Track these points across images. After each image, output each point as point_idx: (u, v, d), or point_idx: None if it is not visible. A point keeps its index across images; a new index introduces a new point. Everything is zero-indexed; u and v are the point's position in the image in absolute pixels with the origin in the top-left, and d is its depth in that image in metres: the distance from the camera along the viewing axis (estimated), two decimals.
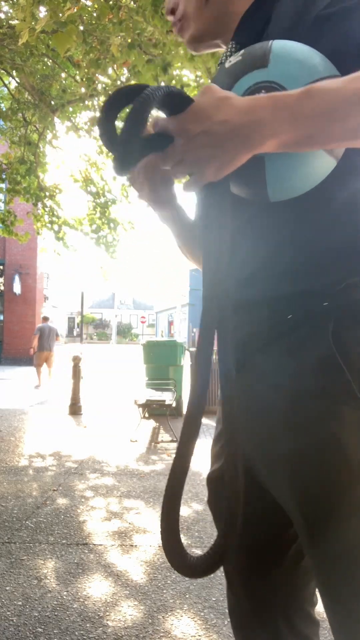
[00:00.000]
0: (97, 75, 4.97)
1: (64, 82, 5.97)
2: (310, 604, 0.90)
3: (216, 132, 0.58)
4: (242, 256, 0.79)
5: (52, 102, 5.69)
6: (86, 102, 5.84)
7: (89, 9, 4.15)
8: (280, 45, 0.66)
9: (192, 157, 0.60)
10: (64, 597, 2.14)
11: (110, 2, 3.74)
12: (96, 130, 6.35)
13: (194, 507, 3.22)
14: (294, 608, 0.88)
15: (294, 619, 0.88)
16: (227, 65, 0.71)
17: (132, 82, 5.14)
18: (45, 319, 10.87)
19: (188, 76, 4.66)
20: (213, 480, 0.93)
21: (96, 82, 5.23)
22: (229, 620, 1.95)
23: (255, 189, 0.68)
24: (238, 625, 0.93)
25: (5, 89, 6.56)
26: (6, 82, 6.41)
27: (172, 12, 0.88)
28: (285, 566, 0.86)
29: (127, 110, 0.62)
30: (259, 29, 0.79)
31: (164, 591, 2.20)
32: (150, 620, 1.97)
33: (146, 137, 0.62)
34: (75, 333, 48.30)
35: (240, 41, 0.80)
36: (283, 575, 0.87)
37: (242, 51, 0.70)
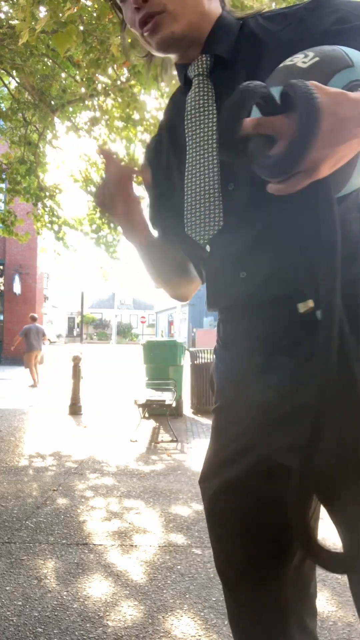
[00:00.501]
0: (97, 75, 4.97)
1: (64, 82, 5.97)
2: (315, 595, 0.90)
3: (341, 128, 0.58)
4: (269, 255, 0.78)
5: (52, 102, 5.69)
6: (86, 102, 5.84)
7: (89, 9, 4.15)
8: (345, 48, 0.67)
9: (319, 155, 0.59)
10: (64, 597, 2.14)
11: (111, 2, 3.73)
12: (96, 131, 6.36)
13: (194, 507, 3.22)
14: (304, 604, 0.88)
15: (303, 615, 0.87)
16: (300, 65, 0.67)
17: (132, 82, 5.14)
18: (33, 318, 11.00)
19: None
20: (229, 490, 0.85)
21: (96, 82, 5.23)
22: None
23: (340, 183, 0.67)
24: (245, 629, 0.89)
25: (5, 89, 6.56)
26: (6, 82, 6.41)
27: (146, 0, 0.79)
28: (294, 565, 0.85)
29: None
30: (231, 43, 0.82)
31: (164, 591, 2.20)
32: (150, 620, 1.97)
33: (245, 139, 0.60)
34: (75, 333, 48.29)
35: (216, 53, 0.82)
36: (292, 572, 0.85)
37: (310, 53, 0.67)
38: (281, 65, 0.69)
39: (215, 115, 0.82)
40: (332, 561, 0.63)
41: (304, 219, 0.71)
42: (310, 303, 0.70)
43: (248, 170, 0.72)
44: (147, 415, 6.25)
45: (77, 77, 5.56)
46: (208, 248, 0.86)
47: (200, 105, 0.83)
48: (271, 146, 0.61)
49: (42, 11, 3.79)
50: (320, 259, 0.65)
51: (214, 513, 0.89)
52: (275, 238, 0.77)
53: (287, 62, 0.69)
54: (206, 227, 0.83)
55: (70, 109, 6.04)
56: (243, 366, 0.83)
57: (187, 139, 0.85)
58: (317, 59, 0.65)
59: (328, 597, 2.15)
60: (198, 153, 0.83)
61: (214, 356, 0.97)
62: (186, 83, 0.88)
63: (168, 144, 0.94)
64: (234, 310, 0.86)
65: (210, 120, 0.82)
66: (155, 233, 1.00)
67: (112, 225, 7.44)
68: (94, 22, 4.25)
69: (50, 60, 5.66)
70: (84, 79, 5.07)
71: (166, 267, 1.03)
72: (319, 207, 0.66)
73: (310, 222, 0.70)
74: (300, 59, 0.66)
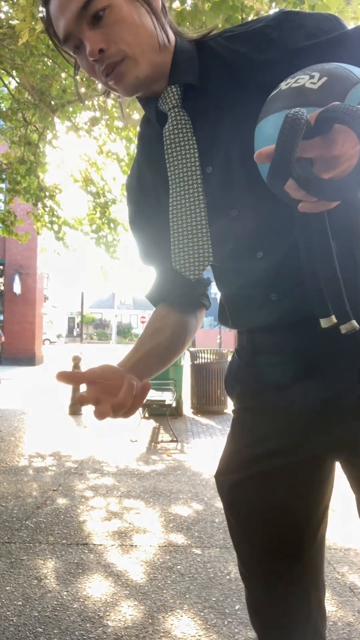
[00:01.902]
0: None
1: (64, 82, 5.96)
2: (324, 590, 0.91)
3: None
4: (296, 276, 0.77)
5: (52, 102, 5.68)
6: (86, 102, 5.84)
7: None
8: (344, 65, 0.68)
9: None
10: (64, 597, 2.14)
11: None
12: (96, 131, 6.37)
13: (194, 507, 3.22)
14: (322, 591, 0.89)
15: (322, 603, 0.89)
16: (309, 86, 0.67)
17: None
18: None
19: None
20: (255, 482, 0.86)
21: (96, 82, 5.22)
22: (229, 620, 1.96)
23: None
24: (269, 622, 0.89)
25: (5, 89, 6.55)
26: (6, 82, 6.41)
27: (101, 51, 0.76)
28: (311, 554, 0.87)
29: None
30: (196, 70, 0.82)
31: (164, 591, 2.20)
32: (150, 620, 1.97)
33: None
34: (75, 333, 48.29)
35: (185, 82, 0.82)
36: (308, 561, 0.87)
37: (315, 73, 0.67)
38: (285, 87, 0.68)
39: (195, 148, 0.82)
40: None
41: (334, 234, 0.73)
42: (334, 319, 0.72)
43: (251, 195, 0.78)
44: (147, 415, 6.25)
45: (77, 77, 5.55)
46: (228, 271, 0.88)
47: (180, 139, 0.83)
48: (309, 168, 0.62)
49: (42, 11, 3.78)
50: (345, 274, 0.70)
51: (236, 501, 0.89)
52: (297, 255, 0.78)
53: (292, 84, 0.68)
54: (195, 263, 0.84)
55: (70, 109, 6.04)
56: (282, 372, 0.84)
57: (169, 174, 0.84)
58: (325, 78, 0.66)
59: (328, 597, 2.15)
60: (182, 187, 0.83)
61: (235, 360, 0.96)
62: (158, 116, 0.87)
63: (151, 178, 0.93)
64: (264, 328, 0.86)
65: (191, 155, 0.82)
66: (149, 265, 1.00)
67: (112, 225, 7.44)
68: None
69: (50, 60, 5.66)
70: (84, 79, 5.07)
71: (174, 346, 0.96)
72: (342, 226, 0.71)
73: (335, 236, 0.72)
74: (307, 80, 0.66)
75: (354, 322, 0.71)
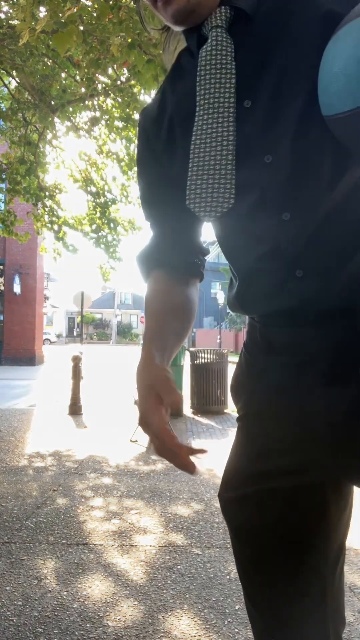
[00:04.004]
0: (97, 75, 4.97)
1: (64, 82, 5.97)
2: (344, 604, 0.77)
3: None
4: (334, 246, 0.68)
5: (52, 102, 5.69)
6: (86, 102, 5.85)
7: (89, 9, 4.15)
8: None
9: None
10: (64, 597, 2.14)
11: (110, 2, 3.74)
12: (96, 130, 6.37)
13: (194, 507, 3.22)
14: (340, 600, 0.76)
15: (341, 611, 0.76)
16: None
17: (132, 82, 5.14)
18: None
19: None
20: (270, 500, 0.72)
21: (96, 82, 5.23)
22: (229, 620, 1.96)
23: None
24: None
25: (5, 89, 6.56)
26: (6, 82, 6.41)
27: None
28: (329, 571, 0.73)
29: None
30: None
31: (164, 591, 2.20)
32: (150, 620, 1.97)
33: None
34: (75, 333, 48.27)
35: (237, 5, 0.73)
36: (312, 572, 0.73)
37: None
38: None
39: (234, 75, 0.71)
40: None
41: None
42: None
43: (297, 138, 0.66)
44: None
45: (77, 77, 5.56)
46: (236, 231, 0.75)
47: (218, 61, 0.71)
48: None
49: (42, 11, 3.79)
50: None
51: (243, 523, 0.76)
52: (342, 225, 0.66)
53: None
54: (213, 203, 0.71)
55: (70, 109, 6.04)
56: (300, 377, 0.71)
57: (198, 98, 0.73)
58: None
59: None
60: (210, 116, 0.71)
61: (245, 357, 0.83)
62: (199, 44, 0.76)
63: (172, 111, 0.80)
64: (282, 317, 0.72)
65: (227, 80, 0.71)
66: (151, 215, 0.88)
67: (112, 225, 7.45)
68: (94, 22, 4.25)
69: (50, 60, 5.66)
70: (84, 79, 5.07)
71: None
72: None
73: None
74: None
75: None
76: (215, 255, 22.68)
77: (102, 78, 5.28)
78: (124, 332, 46.67)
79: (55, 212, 7.40)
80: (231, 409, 6.88)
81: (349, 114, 0.58)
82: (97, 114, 6.01)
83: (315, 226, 0.66)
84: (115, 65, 4.81)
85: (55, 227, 7.51)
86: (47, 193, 7.18)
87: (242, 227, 0.74)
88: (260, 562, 0.73)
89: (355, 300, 0.66)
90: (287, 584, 0.71)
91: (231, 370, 2.84)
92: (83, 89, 5.21)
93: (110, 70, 5.07)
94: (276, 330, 0.74)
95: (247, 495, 0.74)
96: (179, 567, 2.42)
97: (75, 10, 3.50)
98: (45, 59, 5.68)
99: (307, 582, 0.71)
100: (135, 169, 0.95)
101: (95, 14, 4.20)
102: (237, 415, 0.84)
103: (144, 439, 5.29)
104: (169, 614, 2.03)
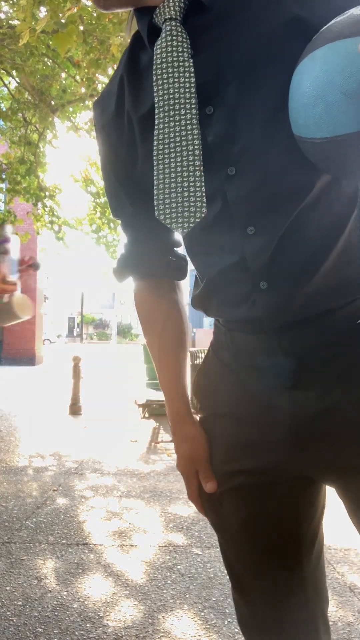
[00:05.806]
0: (97, 75, 4.97)
1: (64, 82, 5.97)
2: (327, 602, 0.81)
3: None
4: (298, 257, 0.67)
5: (52, 102, 5.69)
6: (86, 102, 5.84)
7: (89, 9, 4.15)
8: None
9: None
10: (64, 597, 2.14)
11: None
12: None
13: (194, 507, 3.21)
14: (326, 601, 0.79)
15: (326, 614, 0.79)
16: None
17: None
18: None
19: None
20: (239, 496, 0.76)
21: (96, 82, 5.23)
22: (229, 620, 1.96)
23: None
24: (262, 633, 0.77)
25: (5, 89, 6.56)
26: (6, 82, 6.41)
27: None
28: (309, 563, 0.77)
29: None
30: None
31: (164, 591, 2.20)
32: (150, 620, 1.97)
33: None
34: (75, 333, 48.29)
35: None
36: (307, 571, 0.77)
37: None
38: (358, 12, 0.54)
39: (192, 75, 0.65)
40: None
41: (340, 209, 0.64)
42: None
43: (261, 151, 0.63)
44: (147, 415, 6.25)
45: (77, 77, 5.56)
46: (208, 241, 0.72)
47: (175, 59, 0.65)
48: None
49: (42, 11, 3.79)
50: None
51: (220, 516, 0.80)
52: (308, 237, 0.65)
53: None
54: (185, 213, 0.66)
55: (70, 109, 6.04)
56: (266, 378, 0.71)
57: (156, 99, 0.66)
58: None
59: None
60: (172, 119, 0.65)
61: (211, 357, 0.83)
62: (150, 34, 0.69)
63: (129, 107, 0.74)
64: (247, 325, 0.72)
65: (187, 80, 0.65)
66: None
67: (112, 225, 7.45)
68: (94, 22, 4.25)
69: (50, 60, 5.67)
70: (84, 79, 5.07)
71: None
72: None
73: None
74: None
75: None
76: None
77: (102, 78, 5.27)
78: (124, 332, 46.67)
79: (55, 212, 7.40)
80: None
81: (326, 141, 0.55)
82: None
83: (280, 240, 0.64)
84: (115, 65, 4.81)
85: (55, 227, 7.51)
86: (47, 193, 7.18)
87: (208, 238, 0.71)
88: (239, 559, 0.78)
89: (318, 309, 0.66)
90: (267, 577, 0.75)
91: None
92: (83, 89, 5.21)
93: (110, 70, 5.06)
94: (241, 335, 0.74)
95: (221, 494, 0.77)
96: (179, 567, 2.42)
97: (75, 10, 3.50)
98: (45, 59, 5.68)
99: (286, 569, 0.75)
100: None
101: (95, 14, 4.20)
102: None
103: (144, 439, 5.29)
104: (169, 614, 2.03)
